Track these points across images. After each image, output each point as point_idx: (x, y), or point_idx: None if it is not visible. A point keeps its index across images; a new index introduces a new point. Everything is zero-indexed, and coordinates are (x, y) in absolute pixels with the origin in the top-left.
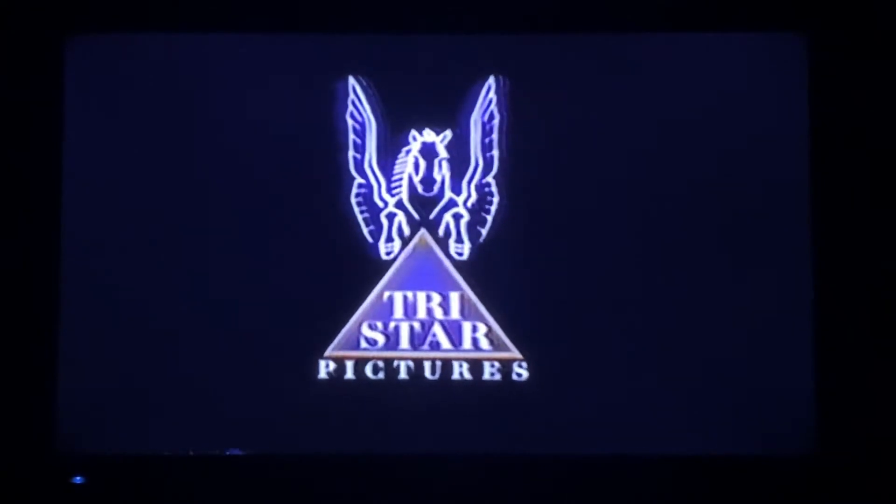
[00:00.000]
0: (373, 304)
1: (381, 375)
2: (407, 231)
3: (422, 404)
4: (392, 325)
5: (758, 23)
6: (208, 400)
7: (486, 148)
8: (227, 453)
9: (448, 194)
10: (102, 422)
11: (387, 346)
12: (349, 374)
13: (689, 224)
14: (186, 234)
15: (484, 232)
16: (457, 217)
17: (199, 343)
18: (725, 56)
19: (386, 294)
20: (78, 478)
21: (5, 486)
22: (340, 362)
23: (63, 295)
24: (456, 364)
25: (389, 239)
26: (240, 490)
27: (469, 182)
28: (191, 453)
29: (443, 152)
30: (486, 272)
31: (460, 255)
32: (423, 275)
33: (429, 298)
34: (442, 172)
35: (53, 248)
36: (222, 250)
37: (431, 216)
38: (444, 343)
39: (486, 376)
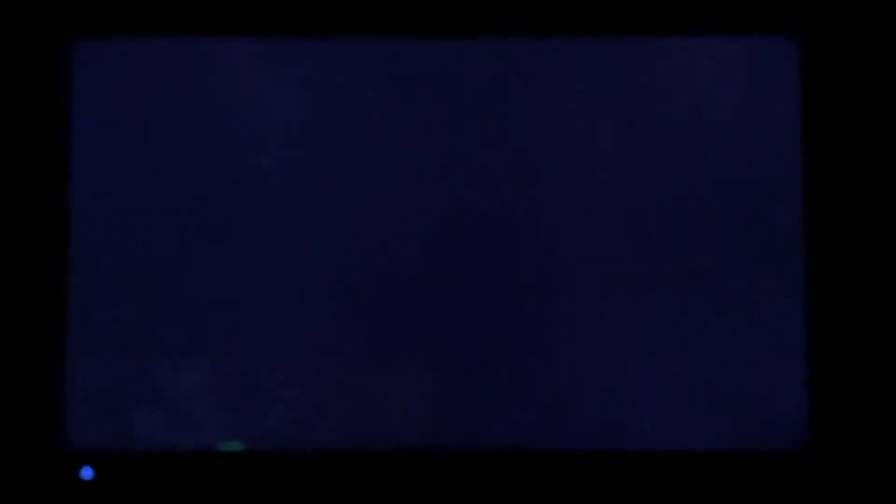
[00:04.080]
0: None
1: None
2: None
3: (422, 401)
4: None
5: (750, 27)
6: (210, 399)
7: None
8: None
9: None
10: (111, 417)
11: None
12: None
13: (681, 224)
14: (191, 235)
15: None
16: None
17: (203, 342)
18: (717, 60)
19: None
20: (87, 472)
21: (13, 481)
22: None
23: (71, 292)
24: None
25: None
26: (240, 488)
27: None
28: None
29: None
30: None
31: None
32: None
33: None
34: None
35: (62, 245)
36: (226, 250)
37: None
38: None
39: None
